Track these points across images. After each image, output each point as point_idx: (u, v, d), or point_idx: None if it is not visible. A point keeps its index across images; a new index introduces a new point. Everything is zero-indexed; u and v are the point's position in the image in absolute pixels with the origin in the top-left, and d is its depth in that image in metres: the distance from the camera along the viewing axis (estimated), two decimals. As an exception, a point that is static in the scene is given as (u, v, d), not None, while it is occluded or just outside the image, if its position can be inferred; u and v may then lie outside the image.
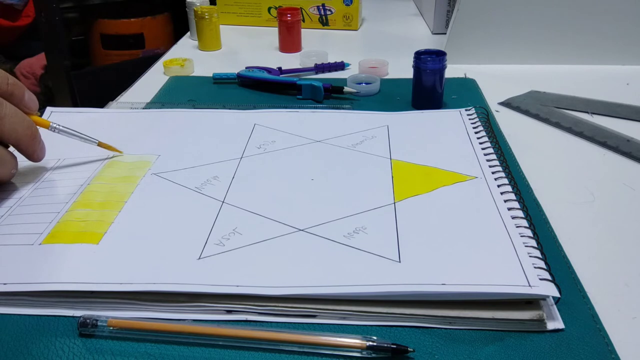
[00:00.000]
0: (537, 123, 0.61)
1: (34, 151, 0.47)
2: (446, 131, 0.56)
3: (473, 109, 0.59)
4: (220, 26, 0.90)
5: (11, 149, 0.47)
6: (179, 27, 1.98)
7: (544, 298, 0.34)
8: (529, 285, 0.34)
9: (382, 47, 0.91)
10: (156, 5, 2.12)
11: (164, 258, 0.38)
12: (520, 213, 0.41)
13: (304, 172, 0.49)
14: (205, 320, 0.34)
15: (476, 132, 0.55)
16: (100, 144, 0.51)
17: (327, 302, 0.34)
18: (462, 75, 0.74)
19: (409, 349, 0.31)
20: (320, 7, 0.98)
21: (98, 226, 0.41)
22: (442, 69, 0.62)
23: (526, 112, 0.63)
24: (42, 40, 1.71)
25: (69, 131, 0.50)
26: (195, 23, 0.88)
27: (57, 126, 0.49)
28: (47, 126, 0.49)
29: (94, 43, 2.09)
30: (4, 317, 0.35)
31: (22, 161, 0.51)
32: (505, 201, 0.43)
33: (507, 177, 0.46)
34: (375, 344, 0.31)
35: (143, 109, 0.64)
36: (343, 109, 0.63)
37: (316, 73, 0.77)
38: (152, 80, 0.75)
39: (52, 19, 1.61)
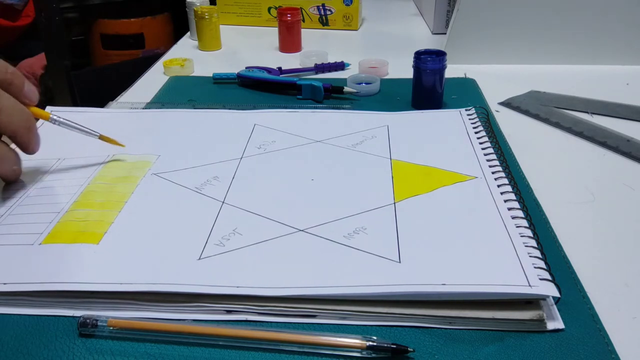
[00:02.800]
0: (537, 123, 0.61)
1: (28, 143, 0.46)
2: (446, 131, 0.56)
3: (473, 109, 0.59)
4: (220, 26, 0.90)
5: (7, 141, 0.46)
6: (179, 27, 1.98)
7: (544, 298, 0.34)
8: (529, 285, 0.34)
9: (382, 47, 0.91)
10: (156, 5, 2.11)
11: (164, 258, 0.38)
12: (520, 213, 0.41)
13: (304, 173, 0.49)
14: (205, 320, 0.34)
15: (476, 132, 0.55)
16: (101, 137, 0.50)
17: (327, 302, 0.34)
18: (462, 75, 0.74)
19: (409, 349, 0.31)
20: (320, 7, 0.98)
21: (98, 226, 0.41)
22: (442, 69, 0.62)
23: (526, 112, 0.63)
24: (42, 40, 1.71)
25: (69, 123, 0.49)
26: (195, 23, 0.88)
27: (57, 118, 0.49)
28: (47, 118, 0.49)
29: (94, 43, 2.09)
30: (4, 317, 0.35)
31: (23, 160, 0.51)
32: (505, 201, 0.43)
33: (507, 177, 0.46)
34: (375, 344, 0.31)
35: (143, 109, 0.64)
36: (343, 109, 0.63)
37: (316, 73, 0.77)
38: (152, 80, 0.75)
39: (52, 19, 1.61)
